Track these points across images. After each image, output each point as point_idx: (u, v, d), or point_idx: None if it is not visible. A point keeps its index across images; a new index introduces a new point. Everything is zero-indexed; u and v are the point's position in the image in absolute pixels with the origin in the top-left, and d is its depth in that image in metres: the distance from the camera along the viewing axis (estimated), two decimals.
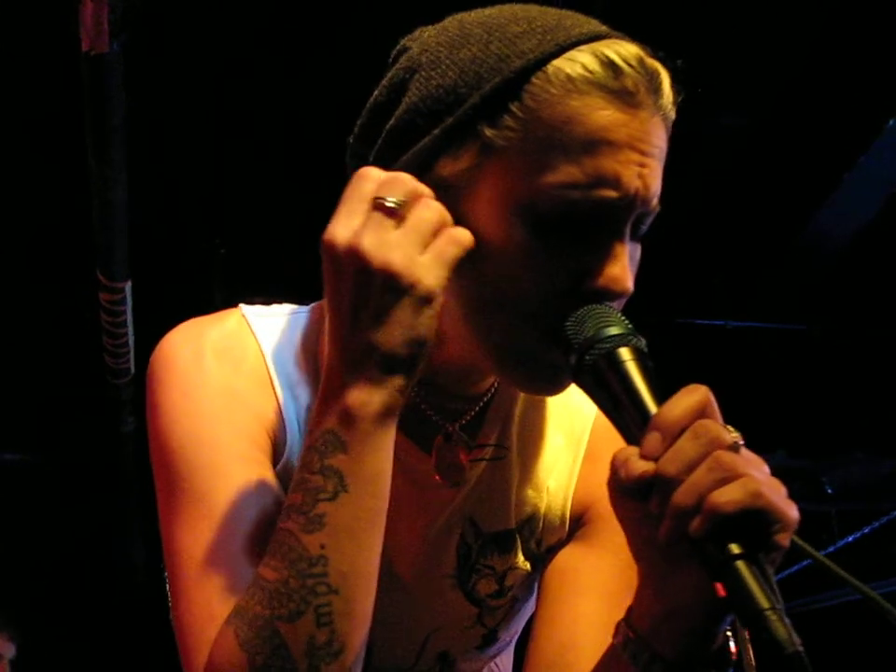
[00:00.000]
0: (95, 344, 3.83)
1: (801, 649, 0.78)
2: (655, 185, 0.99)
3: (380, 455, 0.94)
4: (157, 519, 1.07)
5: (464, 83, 0.97)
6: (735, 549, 0.82)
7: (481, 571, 1.16)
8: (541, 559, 1.19)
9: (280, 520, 0.94)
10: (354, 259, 0.92)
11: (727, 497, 0.81)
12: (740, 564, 0.81)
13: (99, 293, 3.50)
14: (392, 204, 0.93)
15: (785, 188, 4.37)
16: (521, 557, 1.18)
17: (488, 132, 0.96)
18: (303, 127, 3.90)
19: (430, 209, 0.95)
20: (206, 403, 1.06)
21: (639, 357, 0.93)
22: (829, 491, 6.32)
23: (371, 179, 0.95)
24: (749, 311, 4.77)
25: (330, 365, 0.95)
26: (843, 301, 4.80)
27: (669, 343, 4.72)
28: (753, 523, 0.82)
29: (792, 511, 0.84)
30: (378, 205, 0.94)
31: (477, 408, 1.14)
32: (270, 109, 3.90)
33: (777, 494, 0.84)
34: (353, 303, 0.92)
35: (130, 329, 3.73)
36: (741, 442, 0.86)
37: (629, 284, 0.98)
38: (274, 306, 1.18)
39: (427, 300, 0.92)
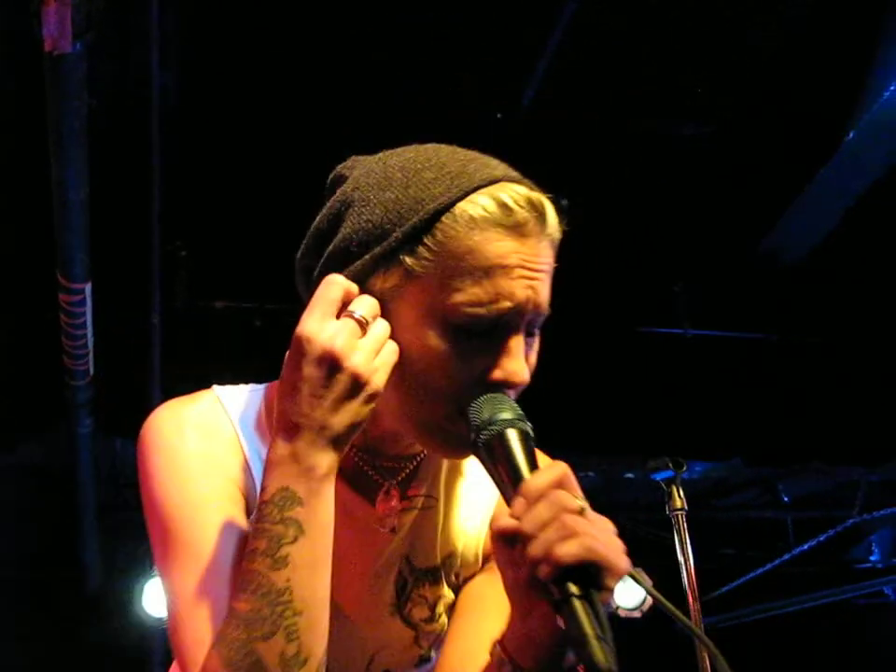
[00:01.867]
0: (54, 345, 3.80)
1: (615, 670, 1.01)
2: (544, 293, 1.24)
3: (327, 505, 1.20)
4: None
5: (388, 220, 1.23)
6: (572, 589, 1.06)
7: (415, 600, 1.43)
8: (460, 589, 1.46)
9: (247, 561, 1.18)
10: (328, 356, 1.17)
11: (565, 550, 1.07)
12: (575, 601, 1.05)
13: (58, 294, 3.48)
14: (362, 318, 1.20)
15: (746, 198, 4.40)
16: (446, 588, 1.45)
17: (408, 260, 1.22)
18: (265, 129, 3.90)
19: (383, 326, 1.22)
20: (189, 468, 1.32)
21: (524, 437, 1.18)
22: (785, 499, 6.37)
23: (337, 285, 1.22)
24: (708, 319, 4.80)
25: (285, 434, 1.19)
26: (801, 311, 4.84)
27: (630, 351, 4.74)
28: (587, 570, 1.07)
29: (621, 562, 1.10)
30: (350, 315, 1.20)
31: (410, 467, 1.39)
32: (231, 111, 3.90)
33: (608, 548, 1.09)
34: (317, 391, 1.17)
35: (89, 331, 3.70)
36: (586, 507, 1.11)
37: (525, 376, 1.24)
38: (241, 385, 1.43)
39: (373, 396, 1.19)
